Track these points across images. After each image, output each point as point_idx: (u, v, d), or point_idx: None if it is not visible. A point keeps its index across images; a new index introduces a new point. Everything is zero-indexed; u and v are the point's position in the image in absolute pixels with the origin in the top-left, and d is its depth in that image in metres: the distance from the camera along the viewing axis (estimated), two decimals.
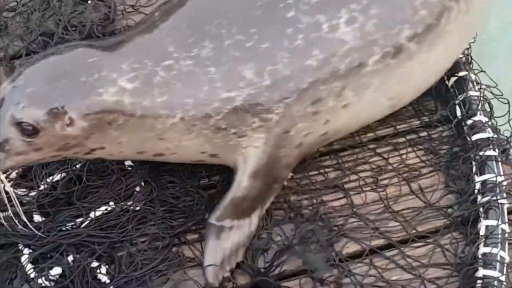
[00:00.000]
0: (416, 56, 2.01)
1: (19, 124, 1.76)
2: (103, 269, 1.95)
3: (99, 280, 1.95)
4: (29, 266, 1.95)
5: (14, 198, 1.85)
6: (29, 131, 1.76)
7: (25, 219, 1.92)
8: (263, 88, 1.91)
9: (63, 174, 2.13)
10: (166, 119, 1.89)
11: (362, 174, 2.14)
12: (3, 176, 1.81)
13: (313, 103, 1.95)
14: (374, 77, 1.98)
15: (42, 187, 2.08)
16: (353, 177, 2.13)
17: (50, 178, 2.11)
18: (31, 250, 1.98)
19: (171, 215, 2.09)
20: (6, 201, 1.86)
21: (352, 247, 2.00)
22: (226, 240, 2.00)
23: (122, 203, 2.07)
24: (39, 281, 1.93)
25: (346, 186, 2.12)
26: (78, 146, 1.85)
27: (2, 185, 1.83)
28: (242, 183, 1.99)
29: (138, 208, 2.08)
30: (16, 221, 1.99)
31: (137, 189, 2.12)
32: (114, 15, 2.58)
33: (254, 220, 2.03)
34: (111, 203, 2.06)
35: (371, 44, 1.95)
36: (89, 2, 2.57)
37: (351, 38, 1.93)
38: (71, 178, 2.11)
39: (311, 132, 2.01)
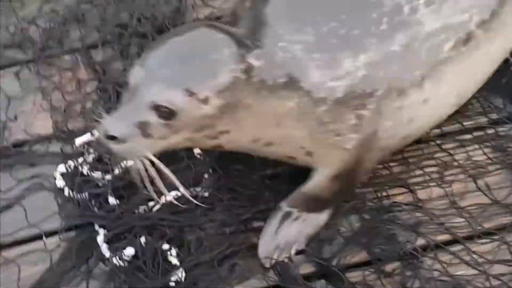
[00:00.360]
0: (482, 45, 2.04)
1: (157, 108, 1.76)
2: (174, 252, 2.03)
3: (170, 262, 2.02)
4: (104, 246, 2.05)
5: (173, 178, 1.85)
6: (168, 113, 1.77)
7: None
8: (358, 78, 1.93)
9: None
10: (285, 102, 1.90)
11: (427, 170, 2.15)
12: (157, 161, 1.81)
13: (398, 95, 1.97)
14: (447, 65, 2.00)
15: (116, 171, 2.17)
16: (418, 172, 2.15)
17: (124, 162, 2.19)
18: (106, 231, 2.07)
19: (237, 202, 2.14)
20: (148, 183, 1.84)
21: (417, 242, 2.02)
22: (288, 226, 2.06)
23: (192, 189, 2.14)
24: (114, 260, 2.01)
25: (411, 181, 2.14)
26: (210, 128, 1.85)
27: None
28: (320, 183, 2.04)
29: (206, 194, 2.15)
30: (92, 202, 2.13)
31: (205, 176, 2.20)
32: (185, 9, 2.65)
33: (323, 216, 2.07)
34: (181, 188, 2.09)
35: (447, 29, 1.98)
36: None
37: (429, 21, 1.96)
38: None
39: (395, 134, 2.04)
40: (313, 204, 2.07)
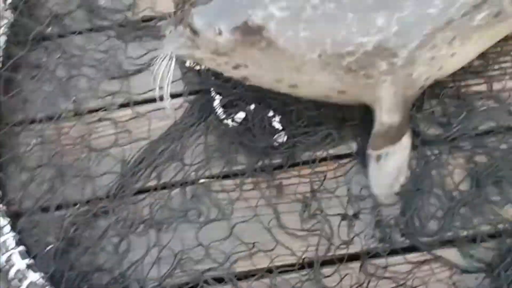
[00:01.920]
0: (509, 19, 2.21)
1: (190, 26, 2.14)
2: (277, 118, 2.38)
3: (273, 126, 2.38)
4: (220, 109, 2.42)
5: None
6: (193, 31, 2.14)
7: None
8: (391, 34, 2.09)
9: None
10: (305, 54, 2.11)
11: (503, 65, 2.40)
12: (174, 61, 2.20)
13: (431, 49, 2.14)
14: (476, 31, 2.18)
15: None
16: (496, 66, 2.40)
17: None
18: (221, 97, 2.44)
19: None
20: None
21: (486, 124, 2.33)
22: (386, 165, 2.26)
23: None
24: (227, 121, 2.40)
25: (488, 74, 2.40)
26: (226, 55, 2.16)
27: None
28: (382, 119, 2.23)
29: None
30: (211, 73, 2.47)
31: None
32: None
33: (405, 140, 2.26)
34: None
35: (483, 2, 2.13)
36: None
37: None
38: None
39: (430, 77, 2.23)
40: (390, 137, 2.26)
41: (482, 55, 2.39)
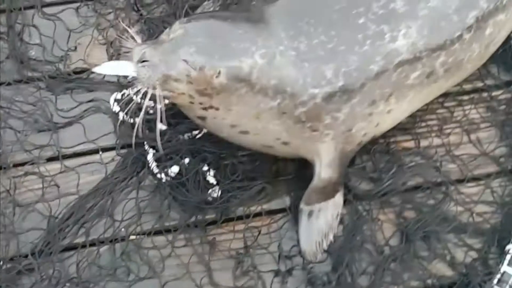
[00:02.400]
0: (439, 80, 2.32)
1: (185, 61, 2.08)
2: (212, 173, 2.37)
3: (208, 181, 2.36)
4: (153, 163, 2.38)
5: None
6: (192, 67, 2.07)
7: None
8: (337, 88, 2.16)
9: None
10: (270, 101, 2.15)
11: (429, 122, 2.51)
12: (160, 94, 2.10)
13: (369, 105, 2.22)
14: (410, 89, 2.27)
15: (167, 101, 2.37)
16: (423, 124, 2.50)
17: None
18: (155, 151, 2.40)
19: None
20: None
21: (414, 180, 2.40)
22: (317, 221, 2.29)
23: None
24: (161, 175, 2.35)
25: (415, 131, 2.48)
26: (207, 96, 2.13)
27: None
28: (321, 174, 2.28)
29: None
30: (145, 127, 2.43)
31: None
32: None
33: (338, 199, 2.31)
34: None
35: (417, 61, 2.22)
36: None
37: (405, 51, 2.19)
38: None
39: (367, 133, 2.30)
40: (325, 193, 2.30)
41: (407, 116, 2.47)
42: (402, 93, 2.26)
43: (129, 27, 2.53)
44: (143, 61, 2.07)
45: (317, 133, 2.20)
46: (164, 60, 2.08)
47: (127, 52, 2.15)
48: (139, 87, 2.10)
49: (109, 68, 2.39)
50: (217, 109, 2.16)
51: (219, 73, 2.09)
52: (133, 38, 2.15)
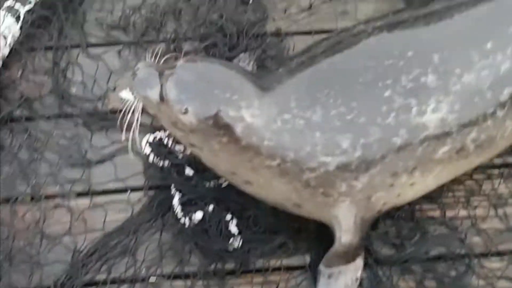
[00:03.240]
0: (470, 157, 2.28)
1: (161, 88, 2.14)
2: (234, 222, 2.39)
3: (230, 230, 2.39)
4: (179, 207, 2.42)
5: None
6: (161, 96, 2.14)
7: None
8: (354, 158, 2.13)
9: None
10: (265, 160, 2.14)
11: (457, 193, 2.50)
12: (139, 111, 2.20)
13: (391, 176, 2.19)
14: (438, 164, 2.23)
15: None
16: (450, 194, 2.49)
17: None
18: (181, 195, 2.44)
19: None
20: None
21: (437, 250, 2.39)
22: (336, 283, 2.28)
23: None
24: (184, 220, 2.39)
25: (441, 200, 2.48)
26: (183, 132, 2.17)
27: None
28: (341, 239, 2.25)
29: None
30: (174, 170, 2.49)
31: None
32: (266, 20, 2.94)
33: (358, 262, 2.29)
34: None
35: (446, 136, 2.19)
36: (249, 4, 2.98)
37: (433, 126, 2.16)
38: None
39: (387, 202, 2.27)
40: (346, 257, 2.28)
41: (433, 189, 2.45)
42: (427, 167, 2.23)
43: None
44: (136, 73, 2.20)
45: (331, 199, 2.18)
46: (147, 78, 2.16)
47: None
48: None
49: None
50: (201, 149, 2.19)
51: (186, 110, 2.11)
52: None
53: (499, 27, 2.28)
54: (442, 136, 2.18)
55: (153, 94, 2.16)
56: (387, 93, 2.14)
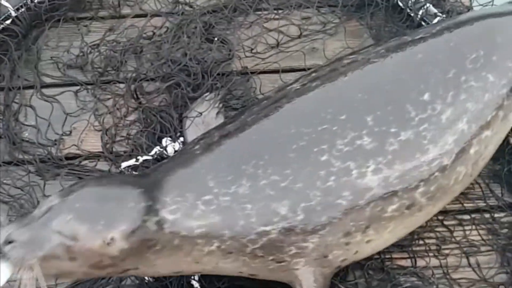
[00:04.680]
0: (424, 209, 2.20)
1: (60, 233, 1.88)
2: (196, 277, 2.27)
3: (192, 285, 2.27)
4: None
5: None
6: (69, 239, 1.88)
7: None
8: (297, 221, 2.05)
9: None
10: (203, 247, 2.03)
11: (427, 241, 2.41)
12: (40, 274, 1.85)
13: (344, 236, 2.10)
14: (390, 221, 2.15)
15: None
16: (420, 242, 2.40)
17: None
18: None
19: None
20: None
21: None
22: None
23: None
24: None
25: (412, 248, 2.39)
26: (112, 266, 1.96)
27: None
28: None
29: None
30: None
31: None
32: (231, 58, 2.88)
33: None
34: None
35: (392, 195, 2.11)
36: (214, 42, 2.91)
37: (376, 186, 2.09)
38: None
39: (347, 259, 2.17)
40: None
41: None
42: (380, 225, 2.14)
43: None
44: (10, 242, 1.86)
45: (285, 263, 2.08)
46: (34, 236, 1.87)
47: None
48: (14, 273, 1.84)
49: None
50: (136, 268, 2.02)
51: (112, 239, 1.91)
52: None
53: (436, 74, 2.21)
54: (388, 196, 2.10)
55: (52, 246, 1.86)
56: (324, 158, 2.07)
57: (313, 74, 2.32)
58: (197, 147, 2.17)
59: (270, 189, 2.04)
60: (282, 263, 2.07)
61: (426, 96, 2.18)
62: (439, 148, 2.15)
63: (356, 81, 2.24)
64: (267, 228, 2.03)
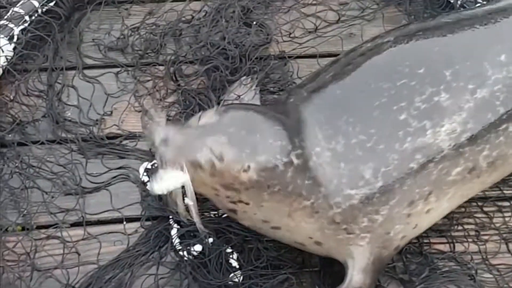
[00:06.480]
0: (482, 175, 2.21)
1: (211, 150, 1.98)
2: (235, 256, 2.29)
3: (230, 264, 2.28)
4: (177, 239, 2.31)
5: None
6: (217, 158, 1.98)
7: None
8: (375, 189, 2.07)
9: None
10: (303, 200, 2.06)
11: (466, 226, 2.41)
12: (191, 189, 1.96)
13: (408, 206, 2.12)
14: (451, 186, 2.17)
15: None
16: (459, 227, 2.39)
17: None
18: (179, 227, 2.34)
19: None
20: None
21: (447, 286, 2.26)
22: None
23: None
24: (183, 253, 2.28)
25: (451, 233, 2.38)
26: (235, 191, 2.04)
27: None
28: (353, 277, 2.14)
29: None
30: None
31: None
32: (269, 43, 2.91)
33: None
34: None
35: (459, 156, 2.13)
36: (253, 26, 2.93)
37: (446, 147, 2.10)
38: None
39: (405, 236, 2.19)
40: None
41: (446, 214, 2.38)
42: (442, 190, 2.16)
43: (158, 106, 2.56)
44: (165, 141, 1.96)
45: (352, 236, 2.10)
46: (188, 143, 1.98)
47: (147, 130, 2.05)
48: (164, 170, 1.95)
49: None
50: (247, 203, 2.07)
51: (248, 167, 2.00)
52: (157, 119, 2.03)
53: None
54: (455, 156, 2.11)
55: (202, 157, 1.97)
56: (402, 117, 2.08)
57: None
58: (292, 99, 2.18)
59: (359, 149, 2.05)
60: (351, 235, 2.09)
61: (503, 57, 2.18)
62: (508, 112, 2.15)
63: (433, 35, 2.23)
64: (352, 192, 2.05)
